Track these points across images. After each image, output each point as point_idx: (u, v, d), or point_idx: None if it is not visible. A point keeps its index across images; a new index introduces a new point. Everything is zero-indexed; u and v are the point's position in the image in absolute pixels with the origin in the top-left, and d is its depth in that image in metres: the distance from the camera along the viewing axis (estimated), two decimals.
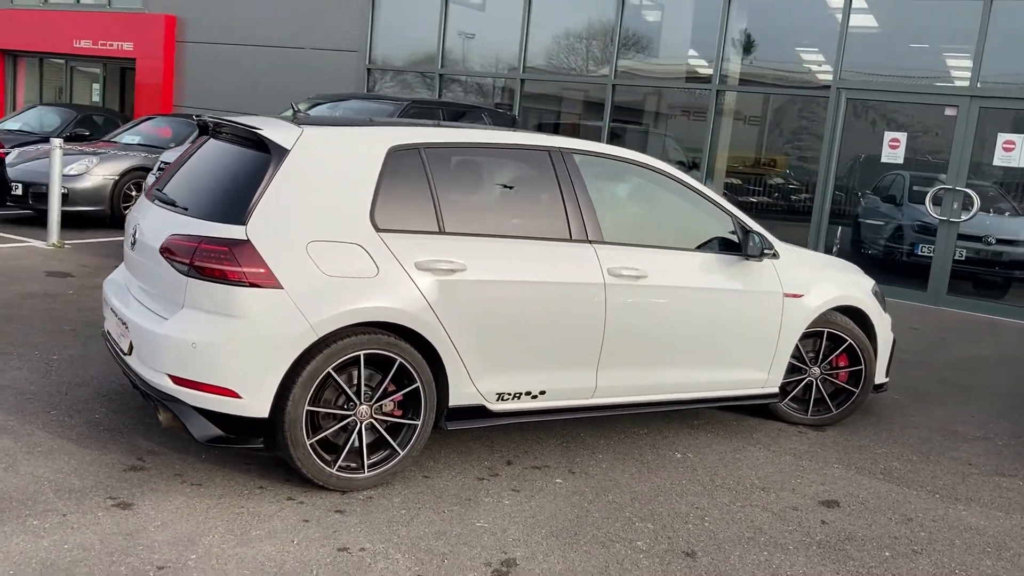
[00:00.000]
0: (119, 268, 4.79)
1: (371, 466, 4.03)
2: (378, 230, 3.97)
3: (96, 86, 19.01)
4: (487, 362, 4.23)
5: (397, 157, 4.13)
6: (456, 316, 4.09)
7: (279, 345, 3.73)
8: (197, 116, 4.82)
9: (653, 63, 12.55)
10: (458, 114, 10.74)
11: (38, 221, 10.46)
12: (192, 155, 4.51)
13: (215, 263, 3.72)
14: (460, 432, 4.82)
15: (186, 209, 4.02)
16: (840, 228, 11.12)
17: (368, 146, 4.09)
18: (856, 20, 10.65)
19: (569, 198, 4.51)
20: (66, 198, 10.28)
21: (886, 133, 10.50)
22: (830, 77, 10.81)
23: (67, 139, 13.28)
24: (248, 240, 3.74)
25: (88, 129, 14.43)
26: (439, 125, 4.47)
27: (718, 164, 11.98)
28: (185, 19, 17.17)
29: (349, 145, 4.08)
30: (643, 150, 12.76)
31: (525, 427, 5.01)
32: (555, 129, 13.79)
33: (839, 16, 10.68)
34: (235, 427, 3.78)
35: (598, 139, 12.63)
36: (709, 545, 3.78)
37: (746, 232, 4.97)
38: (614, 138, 12.86)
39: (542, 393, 4.44)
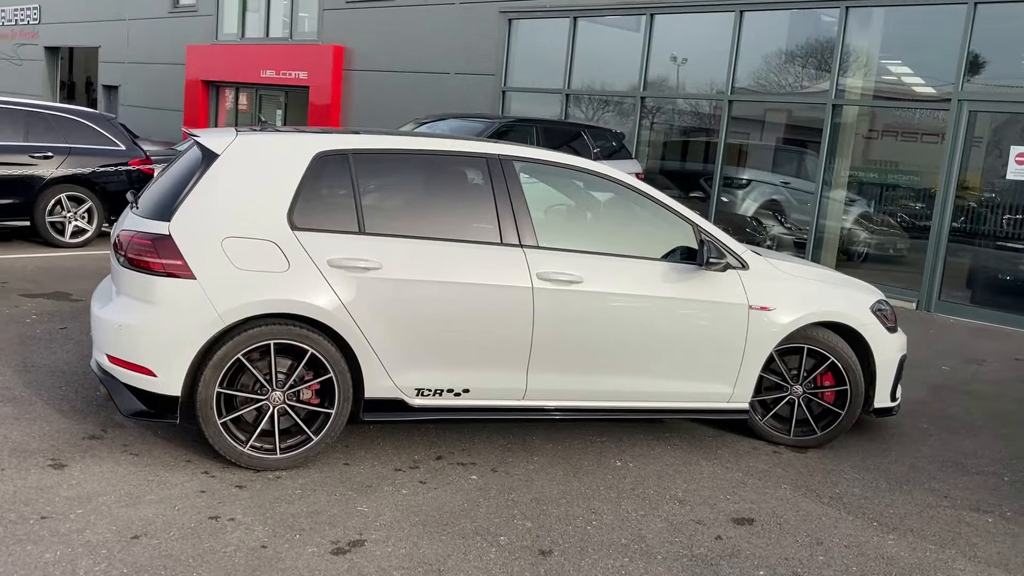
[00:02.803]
0: None
1: (284, 449, 4.32)
2: (294, 228, 4.28)
3: (279, 112, 20.75)
4: (404, 358, 4.41)
5: (323, 162, 4.43)
6: (369, 312, 4.31)
7: (189, 330, 4.12)
8: None
9: (769, 78, 12.16)
10: (555, 132, 10.93)
11: None
12: (171, 166, 5.02)
13: (142, 255, 4.17)
14: (407, 427, 5.01)
15: (137, 209, 4.52)
16: (983, 249, 10.25)
17: (294, 151, 4.41)
18: (979, 29, 9.85)
19: (502, 203, 4.61)
20: None
21: (1012, 148, 9.62)
22: (951, 89, 10.05)
23: None
24: (169, 235, 4.16)
25: None
26: (375, 132, 4.72)
27: (837, 180, 11.41)
28: (351, 49, 18.46)
29: (277, 150, 4.42)
30: (747, 163, 12.41)
31: (475, 426, 5.13)
32: (663, 146, 13.65)
33: (960, 26, 9.93)
34: (154, 404, 4.20)
35: (714, 155, 12.38)
36: (572, 547, 3.76)
37: (701, 242, 4.85)
38: (738, 154, 12.55)
39: (466, 391, 4.56)
